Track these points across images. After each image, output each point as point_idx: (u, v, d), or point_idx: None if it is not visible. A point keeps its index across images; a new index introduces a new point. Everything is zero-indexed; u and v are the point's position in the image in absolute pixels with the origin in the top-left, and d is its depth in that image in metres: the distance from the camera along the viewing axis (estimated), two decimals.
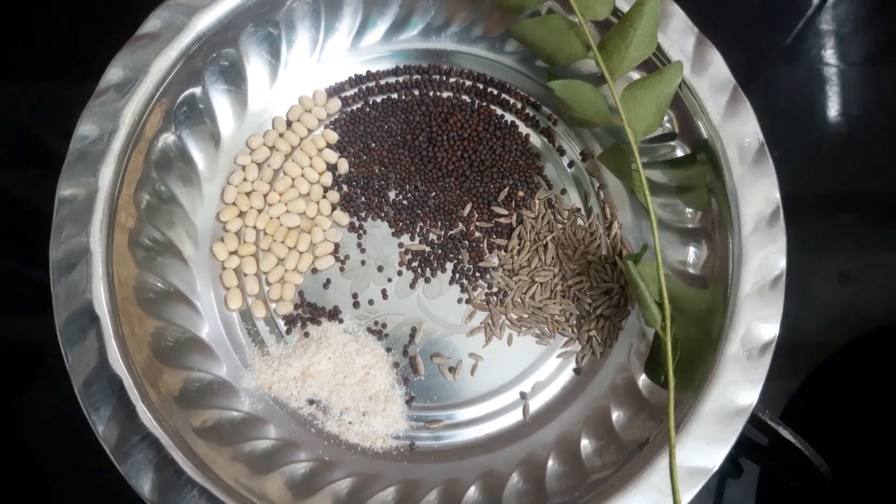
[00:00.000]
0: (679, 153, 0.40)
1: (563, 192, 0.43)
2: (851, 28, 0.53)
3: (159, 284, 0.39)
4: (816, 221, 0.48)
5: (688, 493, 0.32)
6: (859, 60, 0.52)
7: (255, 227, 0.42)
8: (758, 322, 0.35)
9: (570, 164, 0.44)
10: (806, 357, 0.45)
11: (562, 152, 0.44)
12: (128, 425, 0.33)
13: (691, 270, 0.39)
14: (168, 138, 0.40)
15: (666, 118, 0.39)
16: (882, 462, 0.42)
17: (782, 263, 0.35)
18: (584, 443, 0.37)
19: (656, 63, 0.39)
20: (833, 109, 0.51)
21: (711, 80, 0.38)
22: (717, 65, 0.38)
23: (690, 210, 0.39)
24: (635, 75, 0.39)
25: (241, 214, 0.42)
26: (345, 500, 0.36)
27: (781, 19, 0.53)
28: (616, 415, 0.38)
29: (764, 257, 0.36)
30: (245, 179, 0.42)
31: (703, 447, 0.33)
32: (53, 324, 0.35)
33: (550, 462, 0.37)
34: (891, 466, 0.42)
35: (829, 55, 0.52)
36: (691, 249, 0.39)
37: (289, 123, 0.44)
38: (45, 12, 0.52)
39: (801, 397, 0.43)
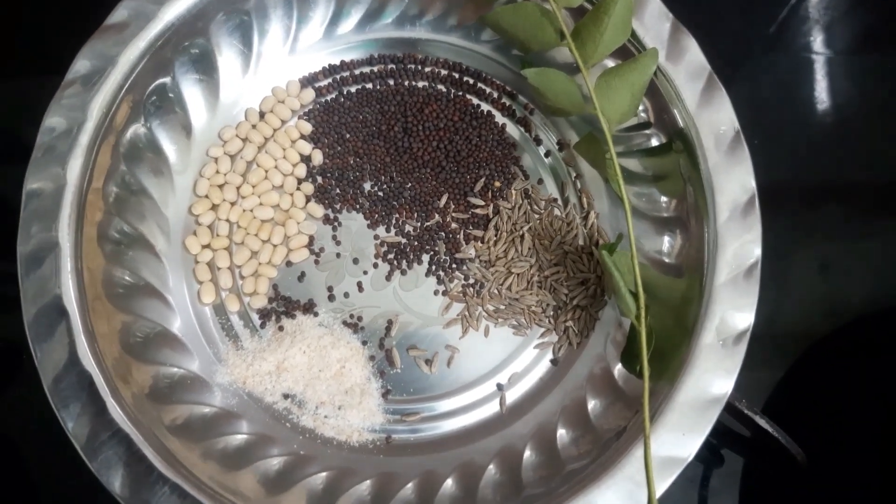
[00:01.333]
0: (654, 142, 0.39)
1: (540, 182, 0.43)
2: (835, 17, 0.53)
3: (130, 278, 0.38)
4: (797, 211, 0.48)
5: (663, 483, 0.32)
6: (843, 49, 0.52)
7: (228, 220, 0.41)
8: (733, 311, 0.34)
9: (547, 154, 0.43)
10: (787, 347, 0.45)
11: (538, 142, 0.44)
12: (98, 422, 0.33)
13: (666, 259, 0.39)
14: (138, 130, 0.39)
15: (641, 107, 0.39)
16: (860, 451, 0.42)
17: (757, 252, 0.35)
18: (561, 433, 0.37)
19: (632, 51, 0.38)
20: (816, 98, 0.51)
21: (687, 67, 0.38)
22: (693, 52, 0.38)
23: (665, 199, 0.39)
24: (610, 63, 0.39)
25: (214, 207, 0.41)
26: (320, 495, 0.35)
27: (765, 7, 0.53)
28: (592, 404, 0.37)
29: (739, 246, 0.35)
30: (218, 172, 0.42)
31: (678, 437, 0.33)
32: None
33: (527, 453, 0.37)
34: (868, 455, 0.42)
35: (813, 44, 0.52)
36: (666, 238, 0.39)
37: (262, 114, 0.43)
38: (12, 5, 0.51)
39: (784, 388, 0.43)
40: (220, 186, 0.42)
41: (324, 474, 0.36)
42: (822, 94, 0.51)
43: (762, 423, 0.37)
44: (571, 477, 0.34)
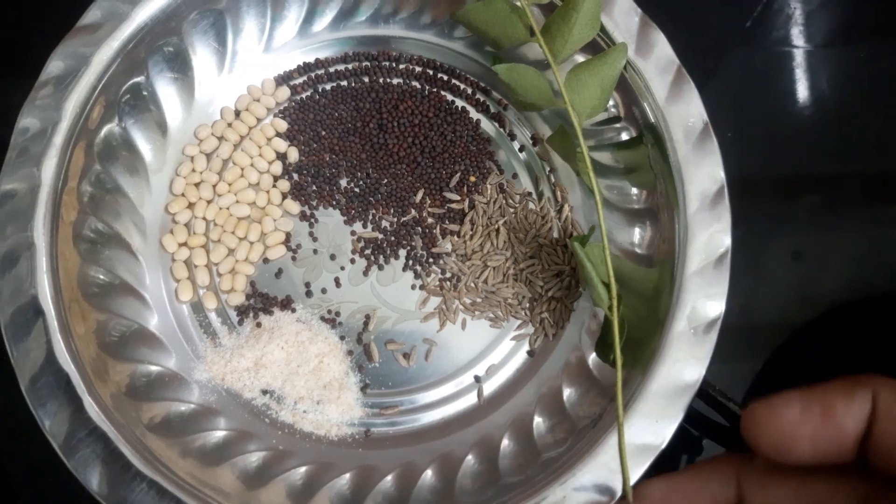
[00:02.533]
0: (625, 136, 0.40)
1: (515, 176, 0.43)
2: (810, 10, 0.53)
3: (106, 277, 0.38)
4: (772, 203, 0.48)
5: (637, 469, 0.32)
6: (818, 42, 0.53)
7: (204, 218, 0.41)
8: (704, 299, 0.35)
9: (521, 149, 0.44)
10: (764, 338, 0.45)
11: (512, 137, 0.44)
12: (75, 420, 0.33)
13: (638, 250, 0.39)
14: (112, 129, 0.39)
15: (611, 101, 0.40)
16: None
17: (727, 241, 0.36)
18: (537, 422, 0.37)
19: (602, 46, 0.39)
20: (791, 91, 0.51)
21: (656, 61, 0.38)
22: (662, 46, 0.38)
23: (636, 191, 0.40)
24: (580, 58, 0.39)
25: (191, 206, 0.42)
26: (299, 489, 0.36)
27: (740, 2, 0.54)
28: (567, 393, 0.38)
29: (709, 235, 0.36)
30: (193, 170, 0.42)
31: (651, 424, 0.33)
32: None
33: (504, 442, 0.37)
34: None
35: (788, 37, 0.53)
36: (637, 230, 0.40)
37: (237, 113, 0.43)
38: None
39: (762, 379, 0.44)
40: (197, 185, 0.42)
41: (303, 469, 0.37)
42: (797, 87, 0.52)
43: (737, 410, 0.38)
44: (548, 465, 0.34)
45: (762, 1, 0.54)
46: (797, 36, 0.53)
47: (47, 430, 0.33)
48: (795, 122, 0.50)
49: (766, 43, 0.52)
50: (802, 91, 0.51)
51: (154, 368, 0.38)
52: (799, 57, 0.52)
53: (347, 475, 0.37)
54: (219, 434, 0.37)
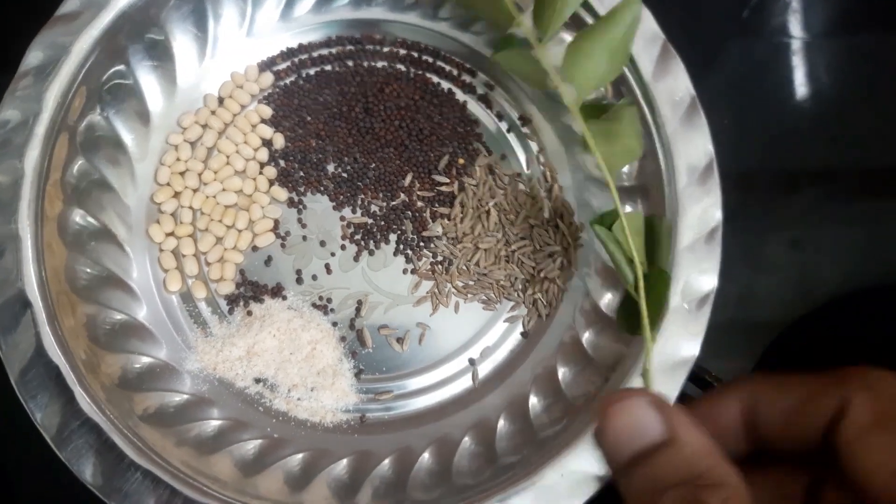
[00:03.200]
0: None
1: (504, 157, 0.43)
2: (806, 2, 0.53)
3: (93, 269, 0.38)
4: (770, 194, 0.48)
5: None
6: (816, 33, 0.53)
7: (191, 207, 0.41)
8: (696, 274, 0.35)
9: (509, 129, 0.44)
10: (762, 331, 0.45)
11: (500, 117, 0.44)
12: (67, 411, 0.32)
13: None
14: (94, 119, 0.39)
15: None
16: None
17: (718, 215, 0.36)
18: (533, 402, 0.37)
19: (586, 21, 0.39)
20: (790, 82, 0.52)
21: (642, 36, 0.38)
22: (647, 21, 0.38)
23: (626, 168, 0.39)
24: (568, 36, 0.39)
25: (176, 195, 0.41)
26: (297, 475, 0.35)
27: None
28: (562, 373, 0.38)
29: (701, 210, 0.36)
30: (178, 159, 0.41)
31: None
32: None
33: (501, 423, 0.37)
34: None
35: (786, 27, 0.53)
36: (628, 207, 0.39)
37: (221, 100, 0.43)
38: None
39: (760, 370, 0.44)
40: (182, 174, 0.41)
41: (299, 455, 0.37)
42: (795, 77, 0.52)
43: None
44: (545, 444, 0.34)
45: None
46: (795, 26, 0.53)
47: (39, 423, 0.32)
48: (793, 113, 0.51)
49: (764, 33, 0.52)
50: (801, 82, 0.51)
51: (145, 359, 0.37)
52: (797, 47, 0.52)
53: (344, 461, 0.37)
54: (213, 423, 0.37)
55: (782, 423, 0.30)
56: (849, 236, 0.48)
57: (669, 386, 0.33)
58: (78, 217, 0.38)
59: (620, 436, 0.29)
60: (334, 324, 0.40)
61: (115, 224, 0.39)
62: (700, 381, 0.38)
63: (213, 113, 0.42)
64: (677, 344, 0.34)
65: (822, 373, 0.30)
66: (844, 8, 0.54)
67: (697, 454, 0.28)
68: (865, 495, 0.28)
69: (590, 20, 0.39)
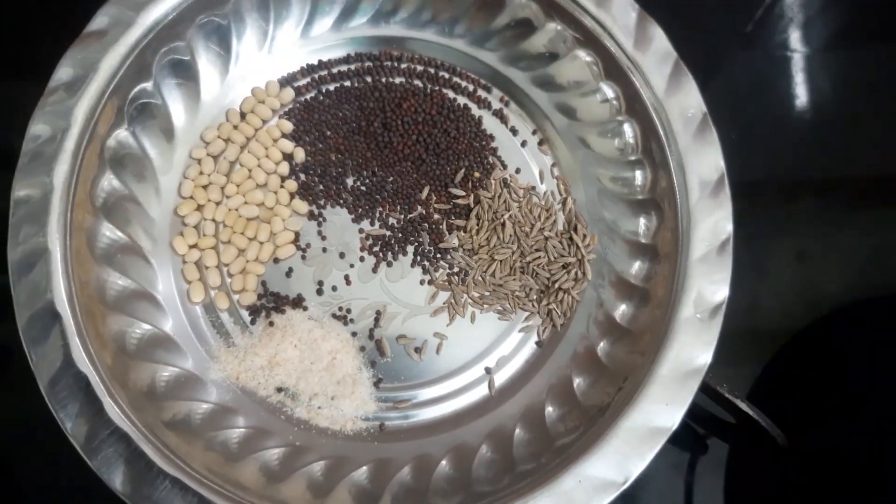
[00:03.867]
0: (626, 128, 0.41)
1: (518, 171, 0.44)
2: (809, 14, 0.54)
3: (120, 281, 0.38)
4: (774, 205, 0.49)
5: (650, 452, 0.33)
6: (818, 47, 0.54)
7: (213, 220, 0.42)
8: (708, 285, 0.36)
9: (523, 144, 0.45)
10: (767, 340, 0.46)
11: (514, 132, 0.45)
12: (96, 421, 0.33)
13: (643, 240, 0.40)
14: (121, 134, 0.40)
15: (612, 94, 0.41)
16: (838, 437, 0.44)
17: (729, 228, 0.37)
18: (549, 410, 0.38)
19: (607, 46, 0.40)
20: (792, 95, 0.52)
21: (654, 55, 0.39)
22: (660, 40, 0.39)
23: (640, 182, 0.40)
24: (582, 54, 0.40)
25: (199, 208, 0.42)
26: (320, 482, 0.36)
27: (741, 6, 0.55)
28: (577, 382, 0.39)
29: (712, 223, 0.37)
30: (201, 173, 0.42)
31: (662, 408, 0.34)
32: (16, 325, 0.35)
33: (517, 432, 0.38)
34: (846, 440, 0.44)
35: (789, 41, 0.54)
36: (642, 220, 0.40)
37: (242, 115, 0.44)
38: None
39: (765, 380, 0.45)
40: (205, 187, 0.42)
41: (321, 463, 0.37)
42: (798, 90, 0.53)
43: (744, 406, 0.38)
44: (562, 451, 0.35)
45: (762, 5, 0.55)
46: (798, 40, 0.54)
47: (69, 432, 0.33)
48: (796, 125, 0.51)
49: (768, 47, 0.53)
50: (804, 95, 0.52)
51: (171, 370, 0.38)
52: (800, 61, 0.53)
53: (365, 468, 0.37)
54: (237, 432, 0.37)
55: None
56: (853, 246, 0.49)
57: (682, 394, 0.34)
58: (106, 230, 0.39)
59: None
60: (354, 334, 0.41)
61: (140, 237, 0.40)
62: (712, 391, 0.39)
63: (235, 128, 0.43)
64: (690, 353, 0.35)
65: None
66: (846, 22, 0.55)
67: None
68: None
69: (594, 27, 0.40)
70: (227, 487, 0.34)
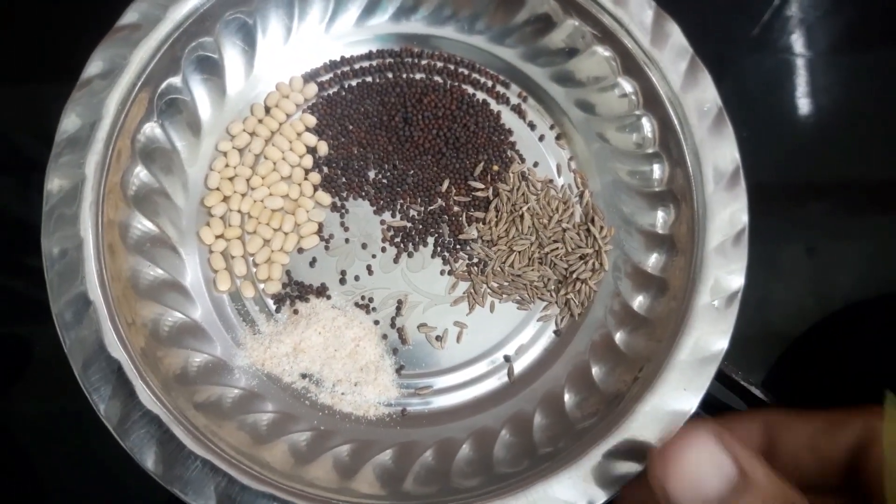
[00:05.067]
0: (645, 122, 0.42)
1: (536, 164, 0.45)
2: (817, 17, 0.55)
3: (150, 270, 0.39)
4: (784, 208, 0.50)
5: (669, 431, 0.34)
6: (825, 49, 0.54)
7: (239, 211, 0.43)
8: (724, 274, 0.37)
9: (541, 138, 0.46)
10: (778, 340, 0.47)
11: (532, 127, 0.46)
12: (128, 403, 0.34)
13: (659, 231, 0.41)
14: (151, 127, 0.41)
15: (630, 89, 0.42)
16: None
17: (744, 219, 0.38)
18: (567, 397, 0.39)
19: (627, 45, 0.41)
20: (799, 98, 0.53)
21: (671, 50, 0.40)
22: (676, 36, 0.40)
23: (658, 175, 0.41)
24: (601, 49, 0.42)
25: (226, 199, 0.43)
26: (346, 463, 0.37)
27: (748, 9, 0.55)
28: (595, 370, 0.40)
29: (728, 214, 0.38)
30: (227, 165, 0.43)
31: (681, 392, 0.35)
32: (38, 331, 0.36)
33: (537, 417, 0.39)
34: None
35: (796, 45, 0.54)
36: (659, 213, 0.41)
37: (267, 109, 0.45)
38: (16, 13, 0.52)
39: (776, 375, 0.46)
40: (231, 179, 0.43)
41: (347, 446, 0.38)
42: (805, 93, 0.54)
43: (757, 392, 0.39)
44: (582, 435, 0.36)
45: (770, 8, 0.55)
46: (806, 43, 0.54)
47: (102, 414, 0.34)
48: (804, 129, 0.52)
49: (775, 50, 0.54)
50: (810, 98, 0.53)
51: (200, 356, 0.39)
52: (808, 64, 0.54)
53: (389, 451, 0.38)
54: (264, 416, 0.38)
55: (806, 448, 0.30)
56: (861, 248, 0.50)
57: (700, 379, 0.35)
58: (136, 221, 0.40)
59: (691, 481, 0.26)
60: (376, 322, 0.42)
61: (168, 227, 0.41)
62: (730, 381, 0.40)
63: (260, 121, 0.44)
64: (707, 340, 0.36)
65: (841, 408, 0.31)
66: (853, 25, 0.56)
67: (773, 490, 0.26)
68: None
69: (611, 24, 0.41)
70: (256, 468, 0.35)
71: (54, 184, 0.37)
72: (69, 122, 0.38)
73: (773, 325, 0.48)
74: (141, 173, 0.40)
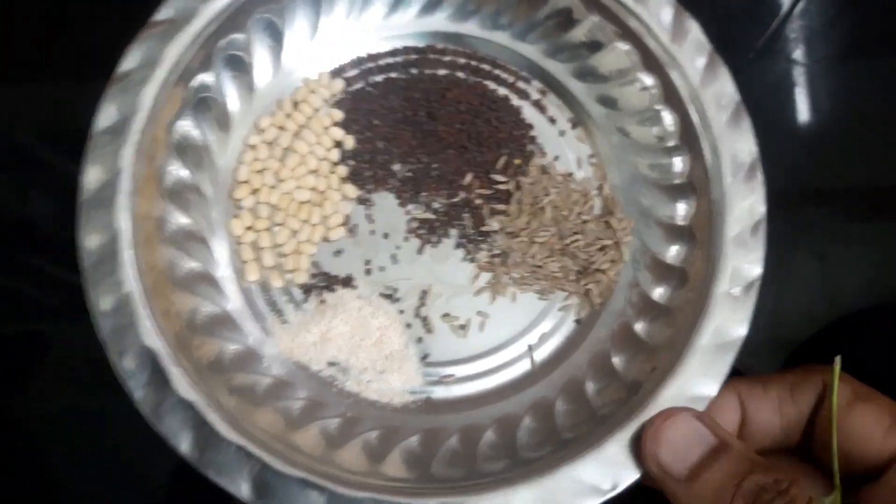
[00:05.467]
0: (666, 115, 0.43)
1: (557, 158, 0.46)
2: (823, 25, 0.56)
3: (183, 262, 0.40)
4: (792, 215, 0.51)
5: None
6: (832, 57, 0.55)
7: (268, 203, 0.44)
8: (743, 263, 0.38)
9: (562, 133, 0.47)
10: (787, 342, 0.48)
11: (553, 121, 0.47)
12: (163, 390, 0.35)
13: (679, 223, 0.42)
14: (183, 122, 0.41)
15: (651, 82, 0.43)
16: None
17: (762, 209, 0.39)
18: (589, 385, 0.40)
19: (647, 44, 0.42)
20: (806, 106, 0.54)
21: (690, 46, 0.41)
22: (695, 32, 0.41)
23: (679, 168, 0.42)
24: (621, 45, 0.43)
25: (254, 191, 0.44)
26: (375, 447, 0.38)
27: (755, 18, 0.56)
28: (616, 358, 0.41)
29: (746, 205, 0.39)
30: (256, 159, 0.44)
31: (701, 378, 0.36)
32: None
33: (559, 403, 0.40)
34: None
35: (803, 52, 0.55)
36: (677, 205, 0.42)
37: (295, 104, 0.46)
38: (47, 13, 0.53)
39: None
40: (260, 172, 0.44)
41: (375, 432, 0.39)
42: (813, 101, 0.54)
43: None
44: (605, 420, 0.37)
45: (777, 16, 0.56)
46: (812, 51, 0.55)
47: (137, 400, 0.35)
48: (810, 136, 0.53)
49: (782, 58, 0.55)
50: (819, 105, 0.54)
51: (233, 345, 0.40)
52: (814, 71, 0.55)
53: (415, 436, 0.39)
54: (295, 403, 0.39)
55: (771, 414, 0.35)
56: (868, 252, 0.51)
57: (720, 365, 0.36)
58: (169, 213, 0.40)
59: (678, 450, 0.32)
60: (401, 312, 0.43)
61: (199, 220, 0.42)
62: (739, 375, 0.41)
63: (288, 116, 0.45)
64: (727, 327, 0.37)
65: (800, 369, 0.35)
66: (861, 32, 0.56)
67: (748, 452, 0.31)
68: (860, 461, 0.32)
69: (632, 21, 0.42)
70: (288, 453, 0.36)
71: (90, 175, 0.38)
72: (105, 116, 0.39)
73: (783, 330, 0.49)
74: (174, 166, 0.41)
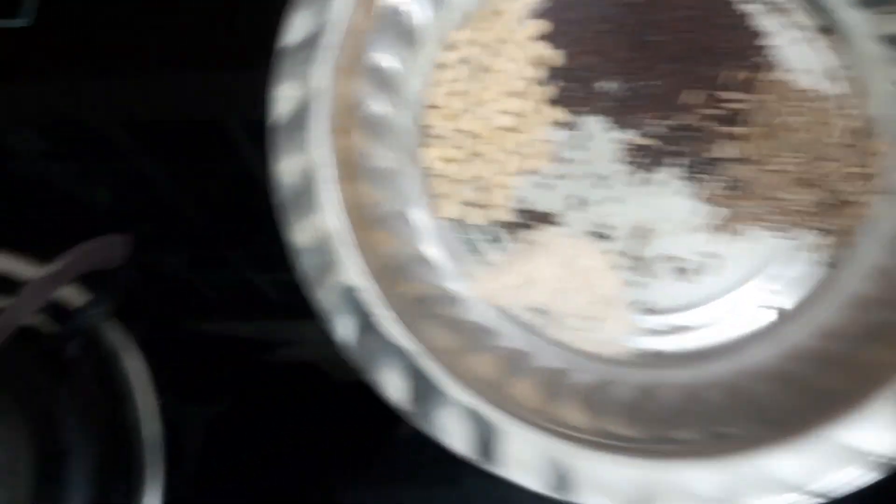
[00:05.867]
0: None
1: (800, 71, 0.39)
2: None
3: (378, 200, 0.38)
4: None
5: None
6: None
7: (462, 130, 0.40)
8: None
9: (807, 41, 0.40)
10: None
11: (796, 28, 0.40)
12: (369, 332, 0.33)
13: None
14: (370, 40, 0.38)
15: None
16: None
17: None
18: (846, 330, 0.35)
19: None
20: None
21: None
22: None
23: None
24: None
25: (448, 117, 0.40)
26: (591, 400, 0.35)
27: None
28: (875, 301, 0.35)
29: None
30: (448, 79, 0.40)
31: None
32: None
33: (809, 355, 0.35)
34: None
35: None
36: None
37: (492, 14, 0.41)
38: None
39: None
40: (452, 94, 0.40)
41: (586, 383, 0.36)
42: None
43: None
44: (870, 373, 0.32)
45: None
46: None
47: (341, 341, 0.33)
48: None
49: None
50: None
51: (430, 288, 0.37)
52: None
53: (632, 390, 0.35)
54: (500, 350, 0.36)
55: None
56: None
57: None
58: (361, 144, 0.38)
59: None
60: (613, 252, 0.38)
61: (390, 151, 0.39)
62: None
63: (483, 29, 0.40)
64: None
65: None
66: None
67: None
68: None
69: None
70: (505, 404, 0.32)
71: (282, 97, 0.36)
72: (295, 32, 0.36)
73: None
74: (364, 91, 0.38)
